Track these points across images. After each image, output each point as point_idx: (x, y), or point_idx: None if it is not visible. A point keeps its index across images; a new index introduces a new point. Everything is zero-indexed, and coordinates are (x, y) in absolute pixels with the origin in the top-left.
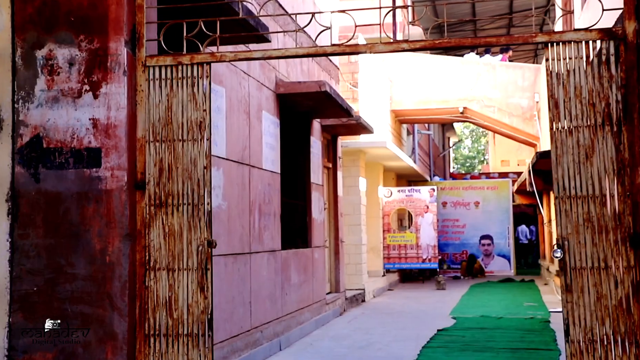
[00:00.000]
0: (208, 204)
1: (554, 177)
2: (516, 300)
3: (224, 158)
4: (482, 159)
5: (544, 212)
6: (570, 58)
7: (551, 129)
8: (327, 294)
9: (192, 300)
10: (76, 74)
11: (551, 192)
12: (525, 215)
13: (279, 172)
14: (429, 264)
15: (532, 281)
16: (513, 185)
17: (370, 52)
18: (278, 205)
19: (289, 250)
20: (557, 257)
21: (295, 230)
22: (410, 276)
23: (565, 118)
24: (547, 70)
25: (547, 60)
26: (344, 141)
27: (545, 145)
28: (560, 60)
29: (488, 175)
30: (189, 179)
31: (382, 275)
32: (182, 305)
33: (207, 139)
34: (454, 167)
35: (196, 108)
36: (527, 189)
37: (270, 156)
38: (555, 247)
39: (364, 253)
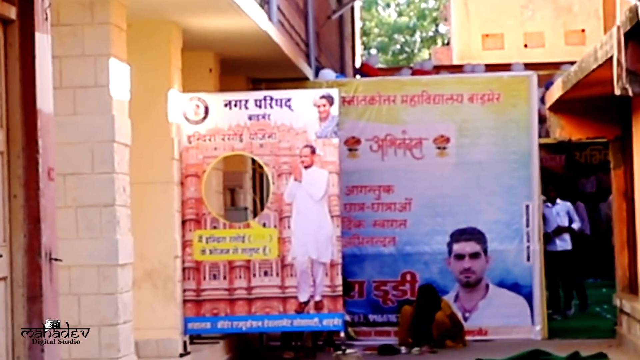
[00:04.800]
0: None
1: None
2: None
3: None
4: (433, 32)
5: None
6: None
7: None
8: None
9: None
10: None
11: None
12: (549, 174)
13: None
14: (316, 317)
15: (601, 357)
16: (541, 85)
17: None
18: None
19: None
20: None
21: None
22: (261, 353)
23: None
24: None
25: None
26: None
27: None
28: None
29: (458, 69)
30: None
31: (182, 355)
32: None
33: None
34: (364, 53)
35: None
36: (617, 92)
37: None
38: None
39: (124, 292)
